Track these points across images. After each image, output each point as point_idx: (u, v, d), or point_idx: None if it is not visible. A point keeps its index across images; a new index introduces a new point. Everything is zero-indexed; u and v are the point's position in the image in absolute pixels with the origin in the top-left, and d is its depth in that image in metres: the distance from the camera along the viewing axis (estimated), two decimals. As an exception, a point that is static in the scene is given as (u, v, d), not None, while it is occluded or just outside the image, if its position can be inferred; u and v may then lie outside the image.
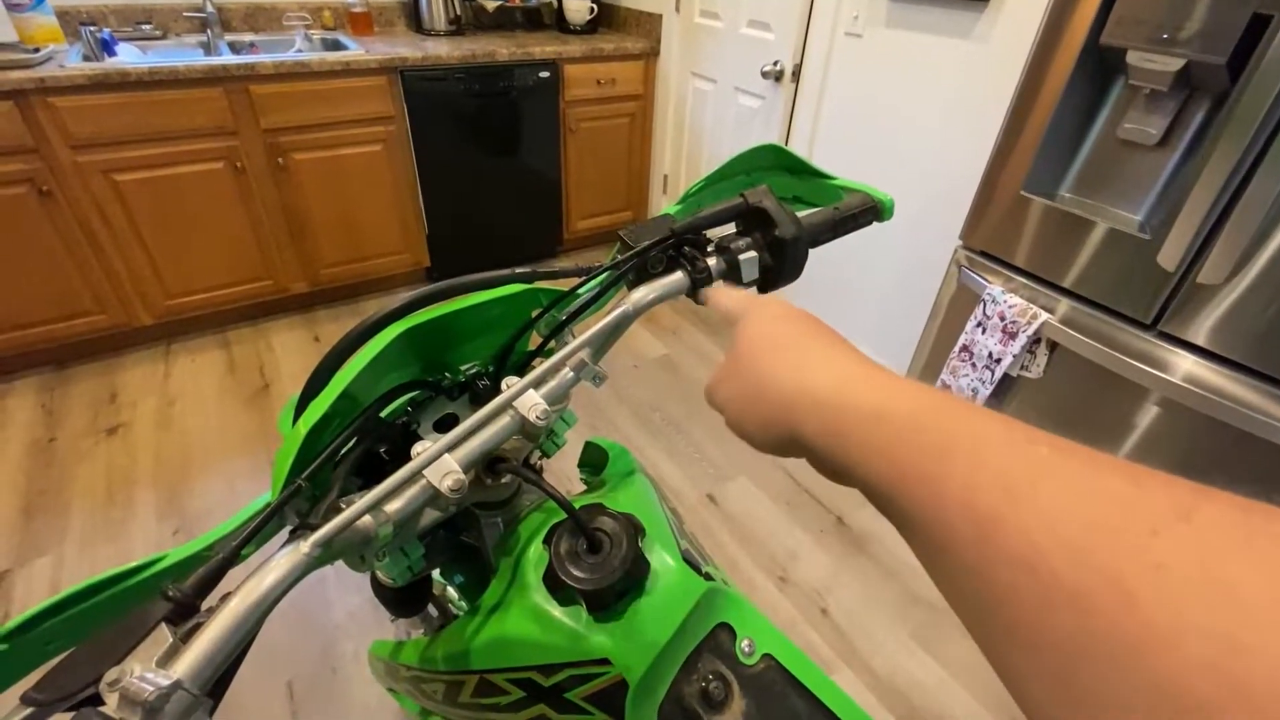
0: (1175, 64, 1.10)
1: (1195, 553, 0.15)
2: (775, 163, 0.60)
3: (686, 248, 0.49)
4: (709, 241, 0.50)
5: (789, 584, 1.52)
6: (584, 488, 0.68)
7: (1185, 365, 1.19)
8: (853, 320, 2.12)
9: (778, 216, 0.47)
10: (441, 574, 0.80)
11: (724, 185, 0.59)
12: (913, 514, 0.22)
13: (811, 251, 0.51)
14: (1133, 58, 1.15)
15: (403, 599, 0.64)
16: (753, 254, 0.47)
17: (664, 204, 3.01)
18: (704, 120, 2.52)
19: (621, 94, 2.65)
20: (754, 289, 0.51)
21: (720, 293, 0.43)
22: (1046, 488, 0.18)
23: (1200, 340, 1.17)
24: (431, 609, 0.86)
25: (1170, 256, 1.15)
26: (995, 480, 0.19)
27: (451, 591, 0.89)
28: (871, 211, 0.54)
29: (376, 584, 0.65)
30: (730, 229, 0.52)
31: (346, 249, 2.36)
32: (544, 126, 2.52)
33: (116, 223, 1.94)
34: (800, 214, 0.50)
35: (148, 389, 2.03)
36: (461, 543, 0.61)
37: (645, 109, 2.76)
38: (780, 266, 0.48)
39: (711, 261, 0.48)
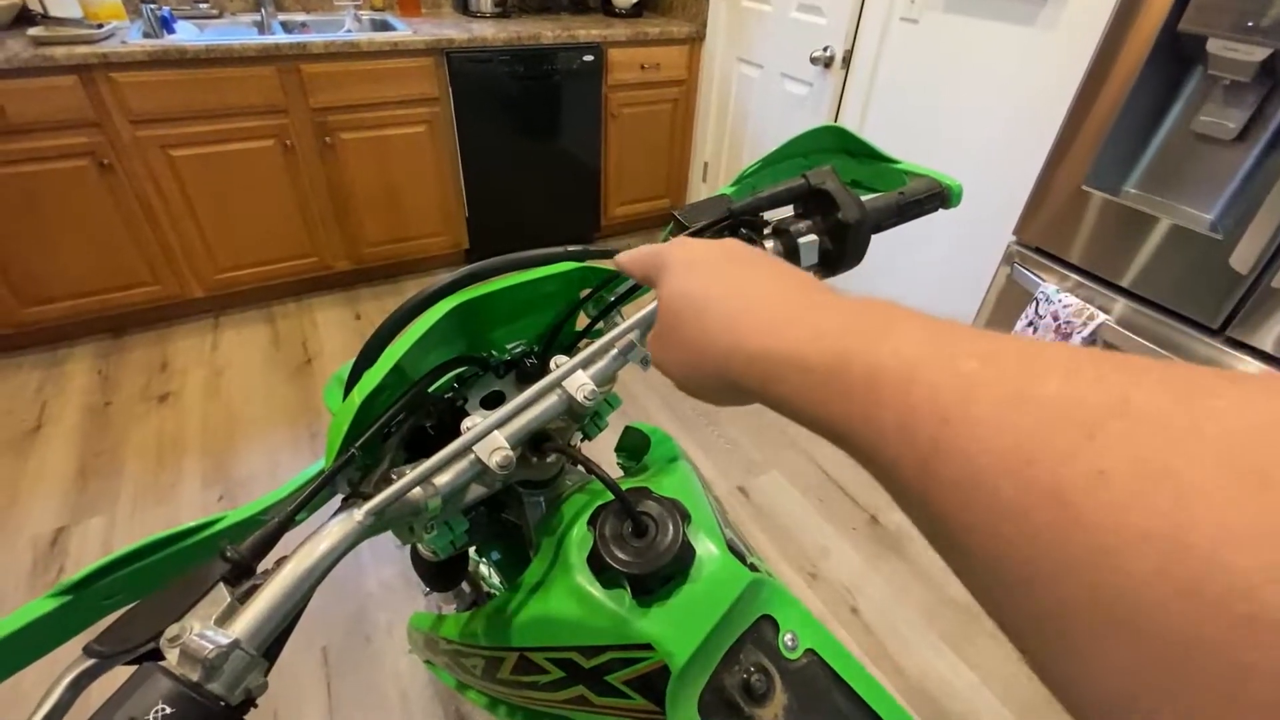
0: (1260, 54, 1.03)
1: (1132, 450, 0.14)
2: (836, 145, 0.58)
3: (743, 229, 0.47)
4: (766, 224, 0.48)
5: (819, 580, 1.50)
6: (621, 472, 0.68)
7: (1251, 372, 1.13)
8: (894, 316, 2.07)
9: (841, 199, 0.45)
10: (478, 550, 0.80)
11: (782, 167, 0.57)
12: (861, 449, 0.21)
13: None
14: (1213, 46, 1.08)
15: (441, 573, 0.65)
16: (813, 238, 0.46)
17: (703, 192, 2.98)
18: (748, 107, 2.47)
19: (665, 79, 2.62)
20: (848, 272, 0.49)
21: (627, 258, 0.38)
22: (979, 406, 0.17)
23: (1269, 347, 1.10)
24: (464, 585, 0.87)
25: (1244, 258, 1.09)
26: (928, 408, 0.18)
27: (484, 569, 0.90)
28: (938, 197, 0.52)
29: (416, 557, 0.65)
30: (788, 211, 0.50)
31: (389, 229, 2.39)
32: (586, 111, 2.51)
33: (171, 197, 2.00)
34: (863, 198, 0.48)
35: (197, 359, 2.10)
36: (501, 520, 0.62)
37: (688, 95, 2.72)
38: (841, 251, 0.46)
39: (769, 244, 0.47)
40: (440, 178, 2.37)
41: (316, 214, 2.23)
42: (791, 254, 0.46)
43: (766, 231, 0.48)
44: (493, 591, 0.86)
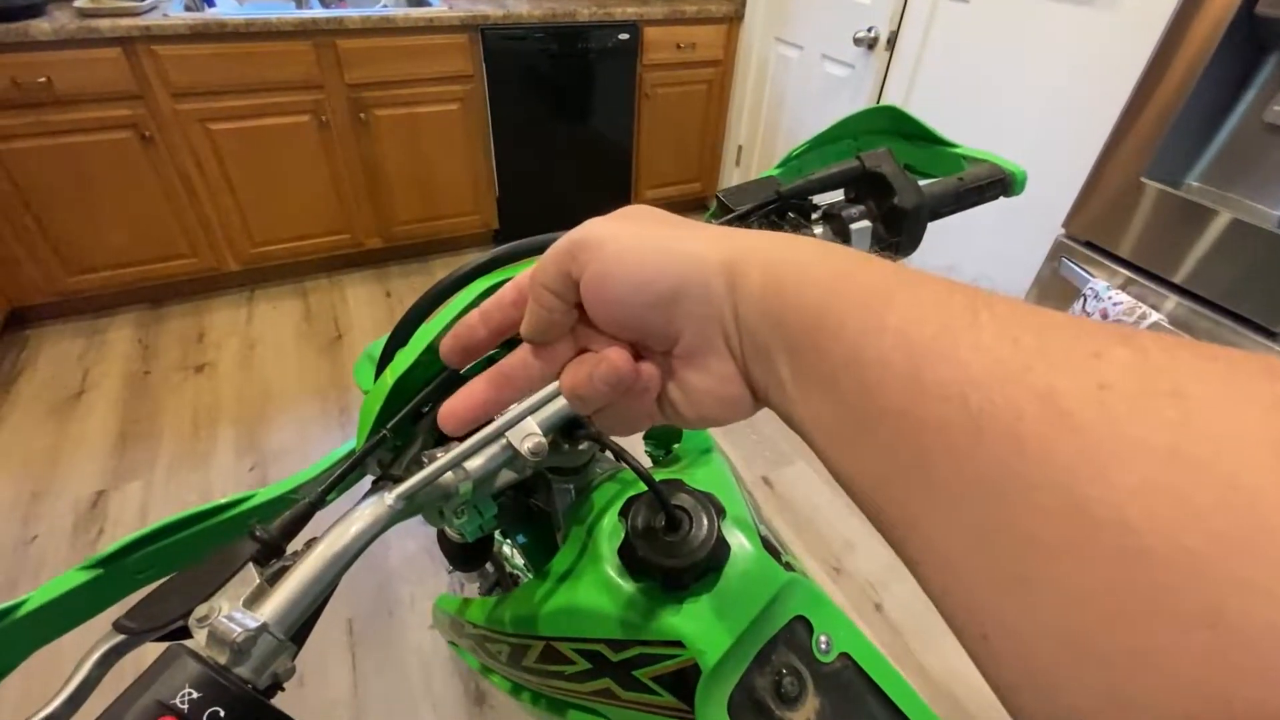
0: (1348, 38, 0.96)
1: (1139, 370, 0.14)
2: (889, 127, 0.55)
3: (791, 214, 0.45)
4: (816, 208, 0.46)
5: (843, 575, 1.48)
6: (650, 461, 0.66)
7: None
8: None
9: (897, 183, 0.42)
10: (503, 533, 0.80)
11: (831, 149, 0.55)
12: (839, 360, 0.19)
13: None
14: (1295, 29, 1.01)
15: (468, 554, 0.64)
16: (866, 224, 0.43)
17: (736, 177, 2.93)
18: (785, 89, 2.41)
19: (701, 59, 2.56)
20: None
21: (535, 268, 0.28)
22: (984, 318, 0.17)
23: (1338, 354, 1.04)
24: (488, 566, 0.87)
25: (1315, 258, 1.03)
26: (933, 314, 0.18)
27: (507, 550, 0.89)
28: (999, 184, 0.49)
29: (443, 537, 0.65)
30: (837, 196, 0.48)
31: (420, 207, 2.39)
32: (619, 91, 2.47)
33: (210, 171, 2.02)
34: (919, 183, 0.45)
35: (232, 331, 2.14)
36: (528, 505, 0.61)
37: (724, 76, 2.66)
38: (896, 239, 0.44)
39: (818, 230, 0.45)
40: (472, 157, 2.37)
41: (350, 191, 2.24)
42: (842, 239, 0.44)
43: (815, 216, 0.46)
44: (515, 572, 0.86)
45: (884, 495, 0.18)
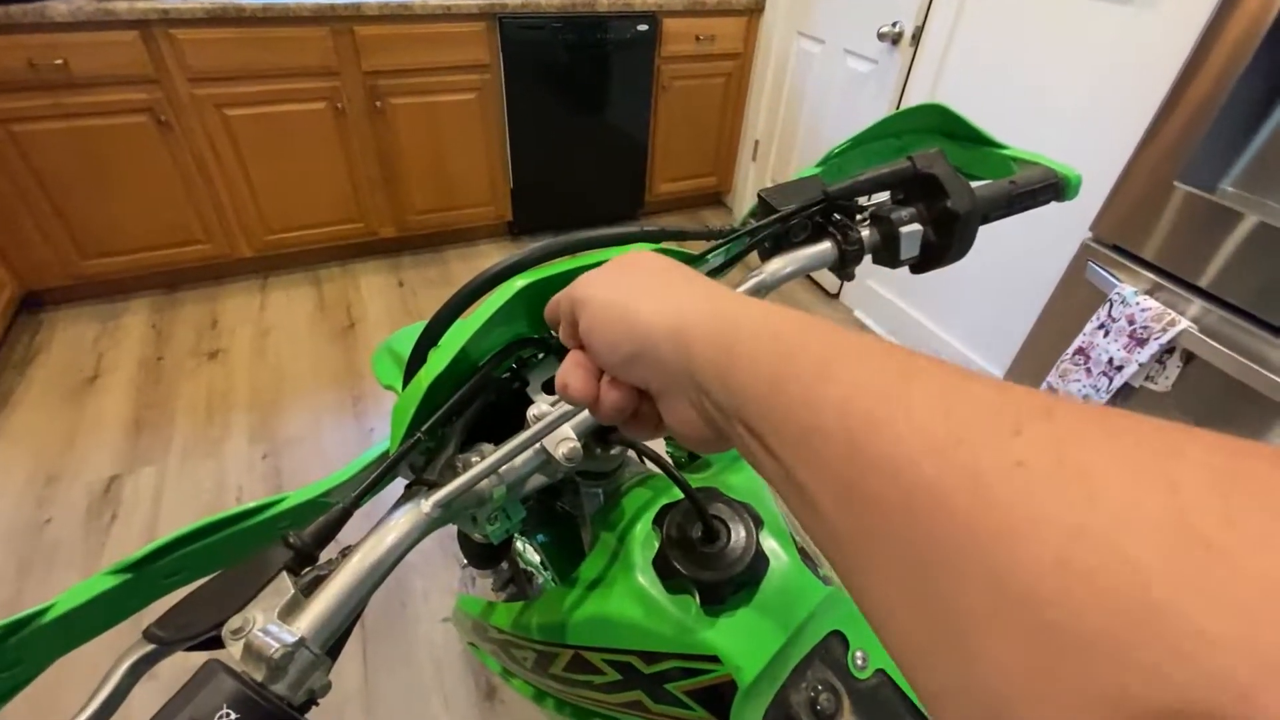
0: (1397, 40, 0.93)
1: (1054, 447, 0.15)
2: (936, 126, 0.53)
3: (837, 215, 0.43)
4: (862, 209, 0.44)
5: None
6: (671, 462, 0.65)
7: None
8: (948, 307, 1.99)
9: (951, 185, 0.41)
10: (523, 531, 0.79)
11: (874, 147, 0.53)
12: (784, 430, 0.21)
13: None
14: (1342, 31, 0.98)
15: (489, 554, 0.64)
16: (916, 227, 0.42)
17: (753, 173, 2.90)
18: (805, 85, 2.37)
19: (720, 52, 2.53)
20: (907, 269, 0.45)
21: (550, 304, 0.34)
22: (919, 390, 0.18)
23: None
24: (503, 564, 0.86)
25: (1354, 266, 1.00)
26: (871, 386, 0.19)
27: (520, 546, 0.88)
28: (1053, 188, 0.47)
29: (464, 536, 0.64)
30: (882, 197, 0.46)
31: (434, 197, 2.38)
32: (636, 83, 2.45)
33: (225, 157, 2.02)
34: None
35: (245, 318, 2.14)
36: (552, 507, 0.60)
37: (743, 69, 2.63)
38: (947, 243, 0.42)
39: (865, 233, 0.43)
40: (487, 147, 2.35)
41: (364, 179, 2.23)
42: (891, 243, 0.42)
43: (861, 218, 0.44)
44: (530, 569, 0.85)
45: (832, 555, 0.20)
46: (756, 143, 2.74)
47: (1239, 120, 1.16)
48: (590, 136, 2.51)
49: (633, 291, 0.28)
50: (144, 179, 1.95)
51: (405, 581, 1.37)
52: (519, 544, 0.89)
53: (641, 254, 0.31)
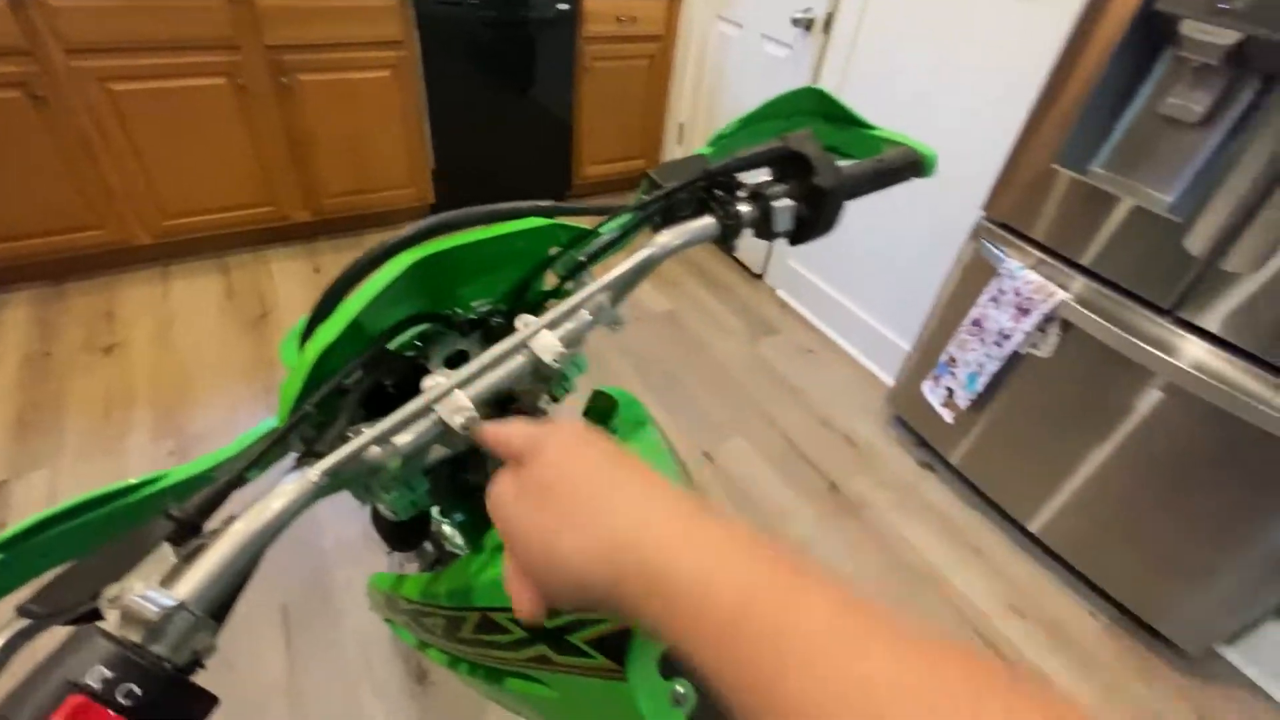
0: (1230, 37, 1.04)
1: None
2: (816, 108, 0.56)
3: (719, 191, 0.46)
4: (741, 186, 0.47)
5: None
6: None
7: (1196, 351, 1.18)
8: (863, 285, 2.09)
9: (819, 164, 0.44)
10: (441, 512, 0.80)
11: (760, 128, 0.56)
12: (742, 707, 0.22)
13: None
14: (1186, 27, 1.09)
15: (402, 534, 0.64)
16: (788, 202, 0.45)
17: (678, 154, 2.93)
18: (726, 67, 2.42)
19: (642, 34, 2.54)
20: (784, 240, 0.48)
21: (493, 430, 0.36)
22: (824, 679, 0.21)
23: (1214, 328, 1.15)
24: (427, 545, 0.87)
25: (1198, 241, 1.13)
26: (827, 701, 0.20)
27: (448, 529, 0.89)
28: (913, 166, 0.51)
29: (377, 517, 0.64)
30: (764, 175, 0.49)
31: (351, 179, 2.29)
32: (559, 63, 2.42)
33: (112, 135, 1.87)
34: (839, 164, 0.47)
35: (145, 310, 2.01)
36: (464, 481, 0.61)
37: (665, 51, 2.65)
38: (816, 218, 0.45)
39: (744, 208, 0.46)
40: (405, 127, 2.28)
41: (273, 160, 2.12)
42: (766, 218, 0.46)
43: (741, 194, 0.47)
44: (455, 552, 0.85)
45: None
46: (681, 125, 2.77)
47: (1106, 106, 1.27)
48: (514, 117, 2.47)
49: (560, 520, 0.28)
50: (21, 161, 1.79)
51: (328, 573, 1.34)
52: (445, 528, 0.89)
53: (572, 448, 0.31)
